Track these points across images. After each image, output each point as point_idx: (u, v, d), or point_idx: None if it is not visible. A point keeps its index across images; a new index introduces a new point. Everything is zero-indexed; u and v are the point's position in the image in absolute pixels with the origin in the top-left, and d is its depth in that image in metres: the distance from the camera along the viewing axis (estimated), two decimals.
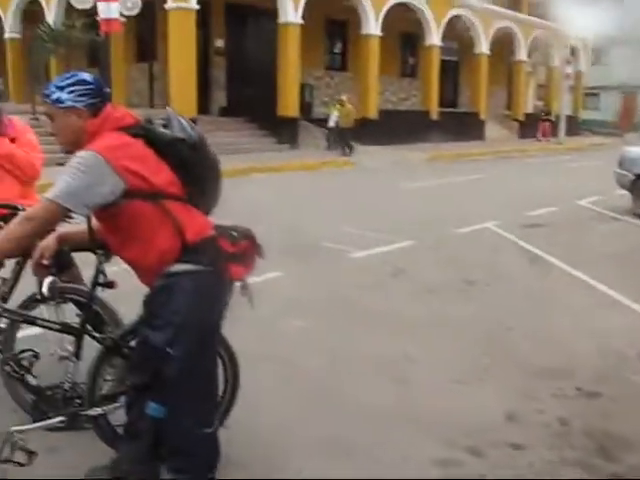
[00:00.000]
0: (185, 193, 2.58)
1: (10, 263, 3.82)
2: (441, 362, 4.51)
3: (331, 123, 20.79)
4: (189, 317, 2.49)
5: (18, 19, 24.94)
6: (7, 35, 24.66)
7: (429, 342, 4.87)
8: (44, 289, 3.16)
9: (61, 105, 2.54)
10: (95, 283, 3.03)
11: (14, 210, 3.60)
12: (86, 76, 2.62)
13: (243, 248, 2.65)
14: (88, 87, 2.56)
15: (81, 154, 2.44)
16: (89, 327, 3.08)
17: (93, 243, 2.81)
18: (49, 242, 2.86)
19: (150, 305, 2.60)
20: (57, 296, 3.32)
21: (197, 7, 18.47)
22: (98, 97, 2.58)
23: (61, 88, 2.55)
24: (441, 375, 4.29)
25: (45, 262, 2.88)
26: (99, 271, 3.01)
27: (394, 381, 4.18)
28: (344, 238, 8.40)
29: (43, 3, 23.10)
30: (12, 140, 3.92)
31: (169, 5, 18.42)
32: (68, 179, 2.41)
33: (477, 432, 3.52)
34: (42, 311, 3.41)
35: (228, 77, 22.66)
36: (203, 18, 19.88)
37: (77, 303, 3.43)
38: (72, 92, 2.54)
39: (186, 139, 2.60)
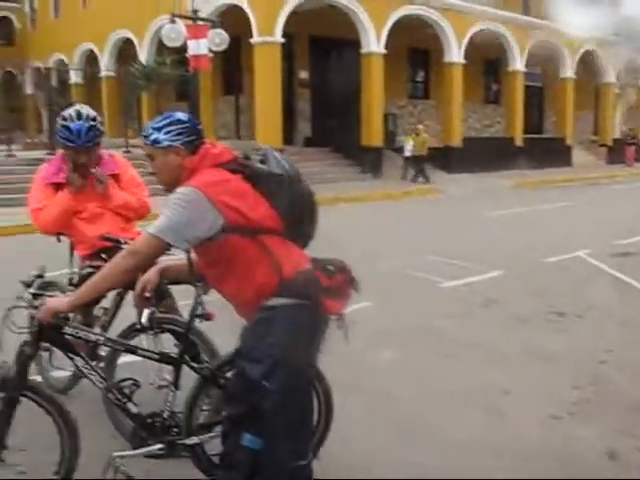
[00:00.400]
0: (282, 227, 2.63)
1: (111, 293, 3.97)
2: (533, 394, 4.41)
3: (407, 153, 20.70)
4: (286, 351, 2.51)
5: (113, 58, 26.30)
6: (103, 73, 25.91)
7: (520, 374, 4.78)
8: (144, 319, 3.28)
9: (159, 145, 2.64)
10: (193, 315, 3.12)
11: (117, 243, 3.75)
12: (181, 115, 2.72)
13: (339, 282, 2.66)
14: (184, 126, 2.66)
15: (181, 190, 2.53)
16: (187, 357, 3.16)
17: (192, 276, 2.90)
18: (151, 275, 2.97)
19: (247, 338, 2.64)
20: (156, 326, 3.44)
21: (282, 40, 18.90)
22: (194, 135, 2.67)
23: (158, 129, 2.65)
24: (534, 408, 4.19)
25: (147, 294, 2.98)
26: (197, 303, 3.10)
27: (485, 412, 4.11)
28: (432, 267, 8.35)
29: (136, 43, 24.18)
30: (115, 176, 4.06)
31: (255, 39, 18.93)
32: (169, 214, 2.50)
33: (575, 467, 3.42)
34: (141, 340, 3.53)
35: (312, 108, 23.02)
36: (288, 51, 20.31)
37: (174, 333, 3.53)
38: (169, 132, 2.64)
39: (282, 174, 2.66)
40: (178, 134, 2.64)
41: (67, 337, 2.96)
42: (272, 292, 2.56)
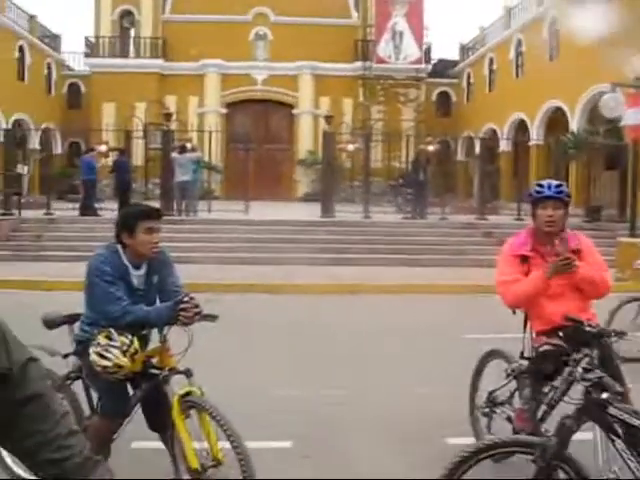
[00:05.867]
0: None
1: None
2: None
3: None
4: None
5: (542, 128, 26.73)
6: (532, 142, 26.55)
7: None
8: None
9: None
10: None
11: (578, 324, 3.66)
12: None
13: None
14: None
15: None
16: None
17: None
18: None
19: None
20: None
21: None
22: None
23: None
24: None
25: None
26: None
27: None
28: None
29: (567, 111, 24.18)
30: (576, 252, 3.99)
31: None
32: None
33: None
34: None
35: None
36: None
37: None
38: None
39: None
40: None
41: (611, 418, 2.90)
42: None
